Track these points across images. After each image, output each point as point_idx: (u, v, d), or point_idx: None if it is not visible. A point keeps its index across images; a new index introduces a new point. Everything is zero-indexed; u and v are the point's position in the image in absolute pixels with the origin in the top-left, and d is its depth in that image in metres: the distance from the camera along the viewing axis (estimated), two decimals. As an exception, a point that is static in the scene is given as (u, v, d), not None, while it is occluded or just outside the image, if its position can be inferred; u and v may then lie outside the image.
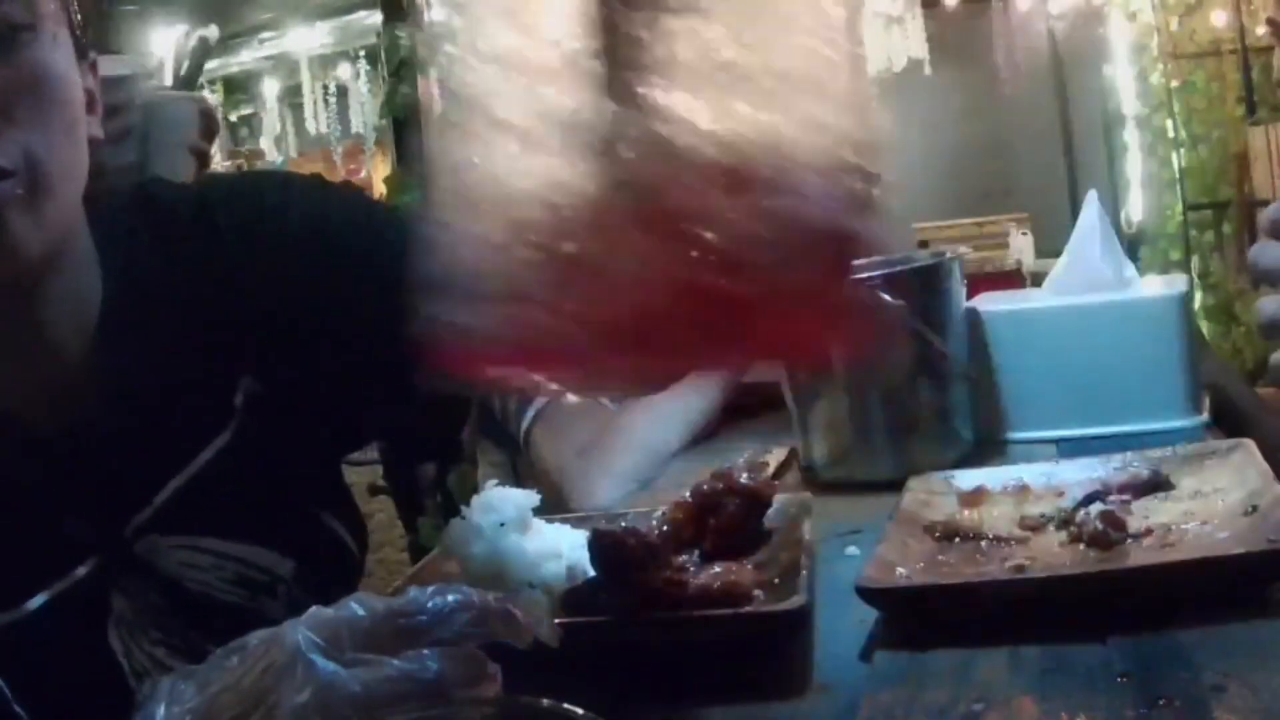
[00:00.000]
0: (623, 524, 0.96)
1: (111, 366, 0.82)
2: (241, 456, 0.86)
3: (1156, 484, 0.94)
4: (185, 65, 1.38)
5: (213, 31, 1.39)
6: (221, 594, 0.86)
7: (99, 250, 0.83)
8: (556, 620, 0.83)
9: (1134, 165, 6.56)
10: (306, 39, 8.12)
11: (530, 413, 1.43)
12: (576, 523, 1.00)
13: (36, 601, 0.78)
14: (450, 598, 0.60)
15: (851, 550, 0.98)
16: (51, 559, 0.80)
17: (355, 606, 0.59)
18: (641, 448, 1.31)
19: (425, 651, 0.57)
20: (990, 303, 1.33)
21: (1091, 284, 1.31)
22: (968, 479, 1.03)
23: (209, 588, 0.85)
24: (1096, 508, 0.88)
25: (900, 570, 0.84)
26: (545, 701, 0.55)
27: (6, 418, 0.80)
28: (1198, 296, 5.65)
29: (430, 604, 0.59)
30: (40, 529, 0.80)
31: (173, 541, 0.84)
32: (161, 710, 0.56)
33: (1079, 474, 1.00)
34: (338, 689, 0.54)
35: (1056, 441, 1.26)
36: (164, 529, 0.84)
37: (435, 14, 0.58)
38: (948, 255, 1.27)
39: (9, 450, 0.80)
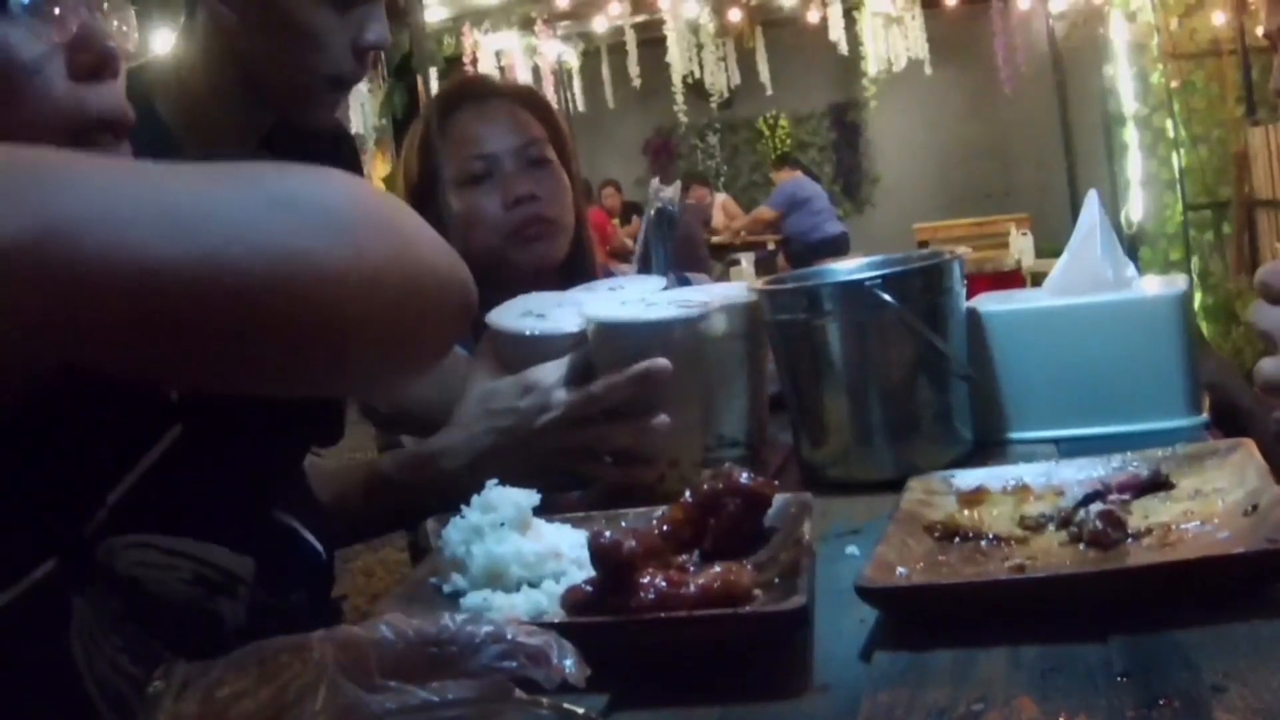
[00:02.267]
0: (623, 524, 0.96)
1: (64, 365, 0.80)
2: (186, 457, 0.85)
3: (1156, 484, 0.94)
4: None
5: None
6: (180, 594, 0.84)
7: None
8: (557, 620, 0.83)
9: (1134, 165, 6.56)
10: (306, 39, 8.11)
11: None
12: (576, 523, 1.00)
13: None
14: (483, 629, 0.60)
15: (851, 550, 0.98)
16: (9, 561, 0.78)
17: (385, 630, 0.59)
18: None
19: (451, 683, 0.57)
20: (990, 303, 1.33)
21: (1091, 284, 1.31)
22: (968, 479, 1.03)
23: (165, 587, 0.84)
24: (1096, 508, 0.88)
25: (900, 570, 0.84)
26: (545, 701, 0.55)
27: None
28: (1198, 296, 5.65)
29: (462, 634, 0.59)
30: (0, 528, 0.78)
31: (129, 540, 0.83)
32: (172, 700, 0.56)
33: (1079, 474, 1.00)
34: (361, 715, 0.54)
35: (1056, 441, 1.26)
36: (120, 528, 0.83)
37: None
38: (948, 255, 1.27)
39: None
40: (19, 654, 0.77)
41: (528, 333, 1.27)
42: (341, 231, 0.72)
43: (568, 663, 0.60)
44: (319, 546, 0.96)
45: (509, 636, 0.59)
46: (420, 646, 0.58)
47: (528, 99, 1.80)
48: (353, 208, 0.75)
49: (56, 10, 0.73)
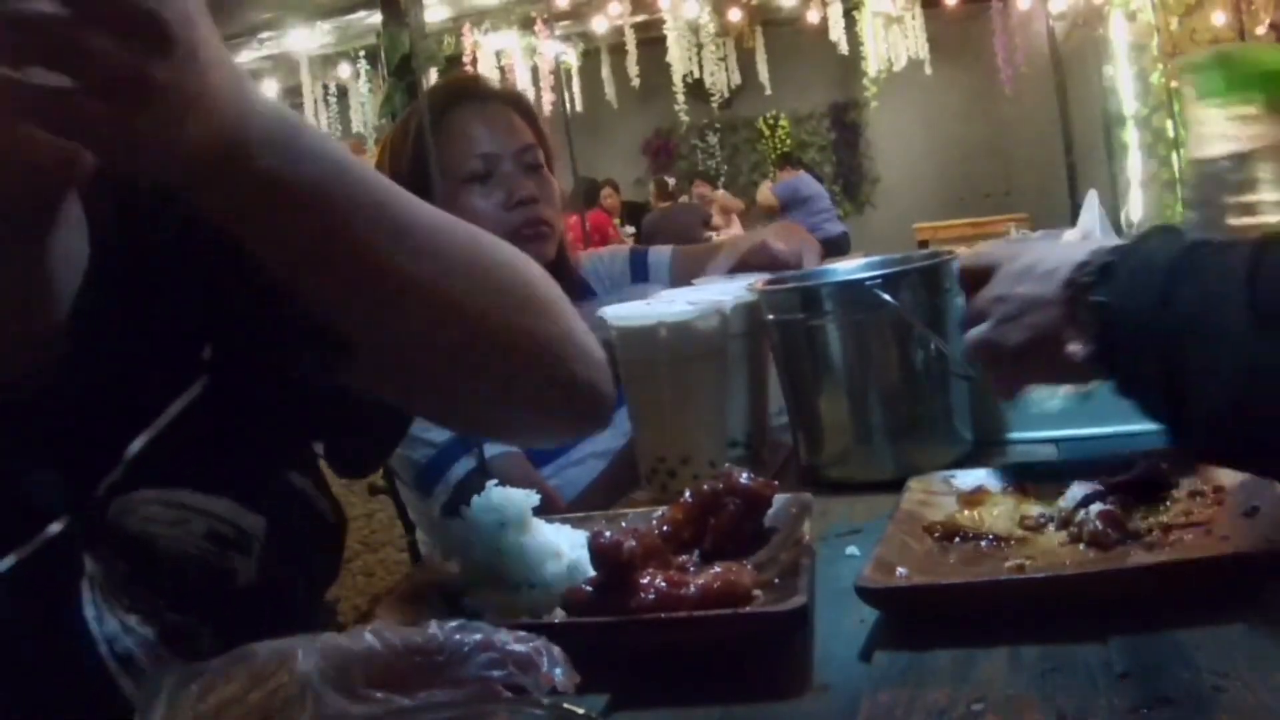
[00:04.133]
0: (623, 524, 0.96)
1: (88, 328, 0.82)
2: (210, 411, 0.87)
3: (1156, 484, 0.94)
4: None
5: None
6: (193, 549, 0.85)
7: (87, 218, 0.84)
8: (556, 620, 0.83)
9: (1134, 165, 6.56)
10: (306, 39, 8.12)
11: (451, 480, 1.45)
12: (576, 523, 1.00)
13: (6, 563, 0.77)
14: (470, 637, 0.60)
15: (851, 550, 0.98)
16: (21, 518, 0.79)
17: (371, 639, 0.59)
18: None
19: (439, 692, 0.57)
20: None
21: (1091, 284, 1.31)
22: (968, 479, 1.03)
23: (178, 543, 0.84)
24: (1096, 508, 0.88)
25: (900, 570, 0.84)
26: (545, 701, 0.55)
27: None
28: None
29: (449, 642, 0.59)
30: (10, 487, 0.79)
31: (141, 496, 0.83)
32: (162, 711, 0.56)
33: (1079, 474, 1.00)
34: None
35: (1056, 441, 1.26)
36: (135, 484, 0.83)
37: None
38: (947, 255, 1.27)
39: None
40: (32, 612, 0.78)
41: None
42: (538, 300, 0.88)
43: (557, 670, 0.60)
44: (327, 510, 0.96)
45: (498, 644, 0.59)
46: (407, 655, 0.58)
47: (519, 104, 1.81)
48: (550, 287, 0.91)
49: None
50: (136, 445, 0.83)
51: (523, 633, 0.62)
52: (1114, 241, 0.89)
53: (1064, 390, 1.12)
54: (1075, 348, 0.85)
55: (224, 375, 0.88)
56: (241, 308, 0.86)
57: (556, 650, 0.62)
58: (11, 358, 0.81)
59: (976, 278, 0.98)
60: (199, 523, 0.85)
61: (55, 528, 0.80)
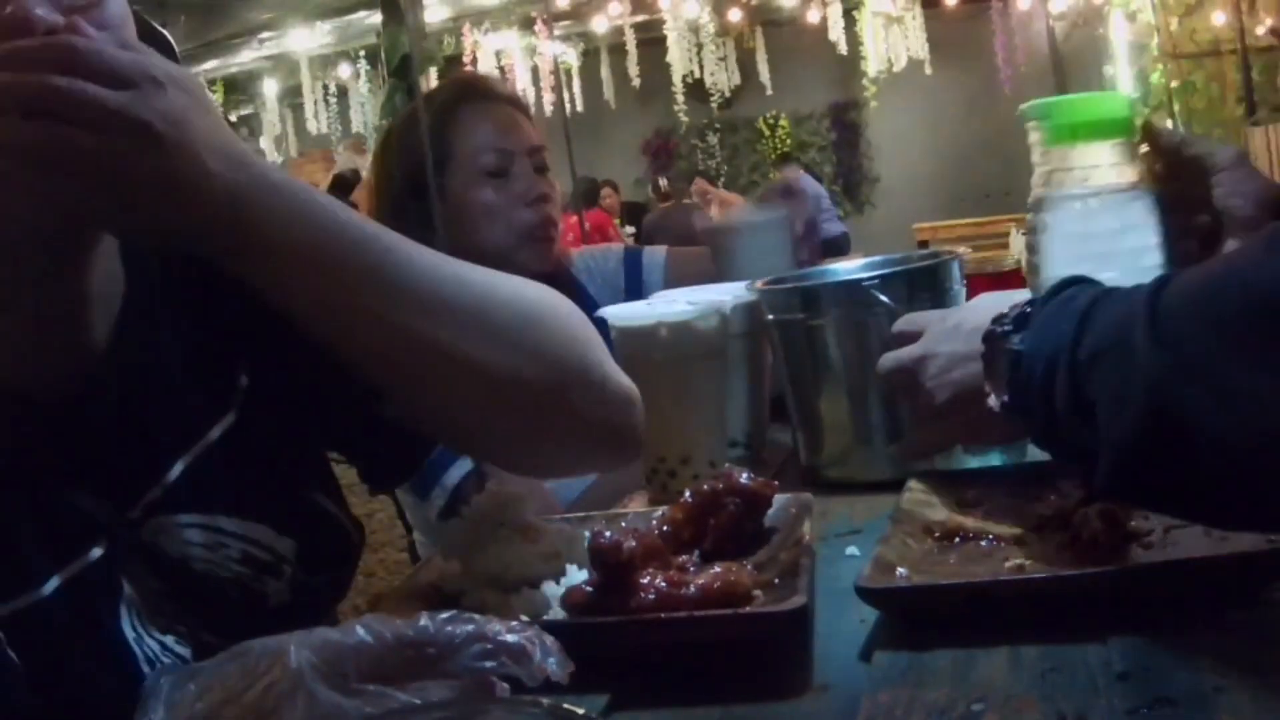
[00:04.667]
0: (623, 524, 0.96)
1: (129, 353, 0.84)
2: (244, 437, 0.89)
3: (1156, 484, 0.94)
4: None
5: None
6: (227, 573, 0.86)
7: (120, 244, 0.86)
8: (557, 620, 0.83)
9: (1134, 165, 6.55)
10: (306, 39, 8.12)
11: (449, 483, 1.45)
12: (576, 523, 1.00)
13: (51, 585, 0.78)
14: (462, 628, 0.59)
15: (851, 550, 0.98)
16: (65, 540, 0.80)
17: (363, 633, 0.58)
18: None
19: (431, 684, 0.57)
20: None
21: (1091, 284, 1.31)
22: (968, 479, 1.03)
23: (214, 567, 0.86)
24: (1096, 508, 0.88)
25: (900, 570, 0.84)
26: (545, 701, 0.55)
27: (25, 398, 0.81)
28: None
29: (441, 634, 0.59)
30: (54, 509, 0.80)
31: (181, 520, 0.85)
32: (161, 713, 0.56)
33: (1079, 473, 1.00)
34: None
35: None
36: (172, 508, 0.85)
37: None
38: (947, 255, 1.27)
39: (26, 429, 0.80)
40: (76, 631, 0.79)
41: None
42: (564, 342, 0.89)
43: (551, 660, 0.60)
44: (349, 528, 0.97)
45: (490, 634, 0.59)
46: (399, 648, 0.58)
47: (523, 106, 1.83)
48: (580, 327, 0.92)
49: None
50: (176, 469, 0.85)
51: (515, 623, 0.62)
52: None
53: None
54: (993, 400, 0.85)
55: (259, 401, 0.90)
56: (277, 339, 0.87)
57: (550, 640, 0.61)
58: (54, 380, 0.82)
59: (908, 341, 1.02)
60: (235, 547, 0.87)
61: (97, 550, 0.81)
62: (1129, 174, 1.09)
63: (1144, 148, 1.14)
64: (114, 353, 0.84)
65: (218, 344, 0.90)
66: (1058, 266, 1.05)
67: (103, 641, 0.80)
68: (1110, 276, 0.85)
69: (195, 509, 0.86)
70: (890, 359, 1.03)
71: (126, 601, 0.82)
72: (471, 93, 1.78)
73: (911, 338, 1.02)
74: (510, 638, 0.60)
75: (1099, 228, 1.07)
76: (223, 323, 0.90)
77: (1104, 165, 1.08)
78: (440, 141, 1.72)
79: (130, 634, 0.81)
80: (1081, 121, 1.09)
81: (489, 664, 0.58)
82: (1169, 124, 6.20)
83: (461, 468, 1.45)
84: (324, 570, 0.93)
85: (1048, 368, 0.77)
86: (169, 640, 0.83)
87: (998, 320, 0.86)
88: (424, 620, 0.60)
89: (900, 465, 1.09)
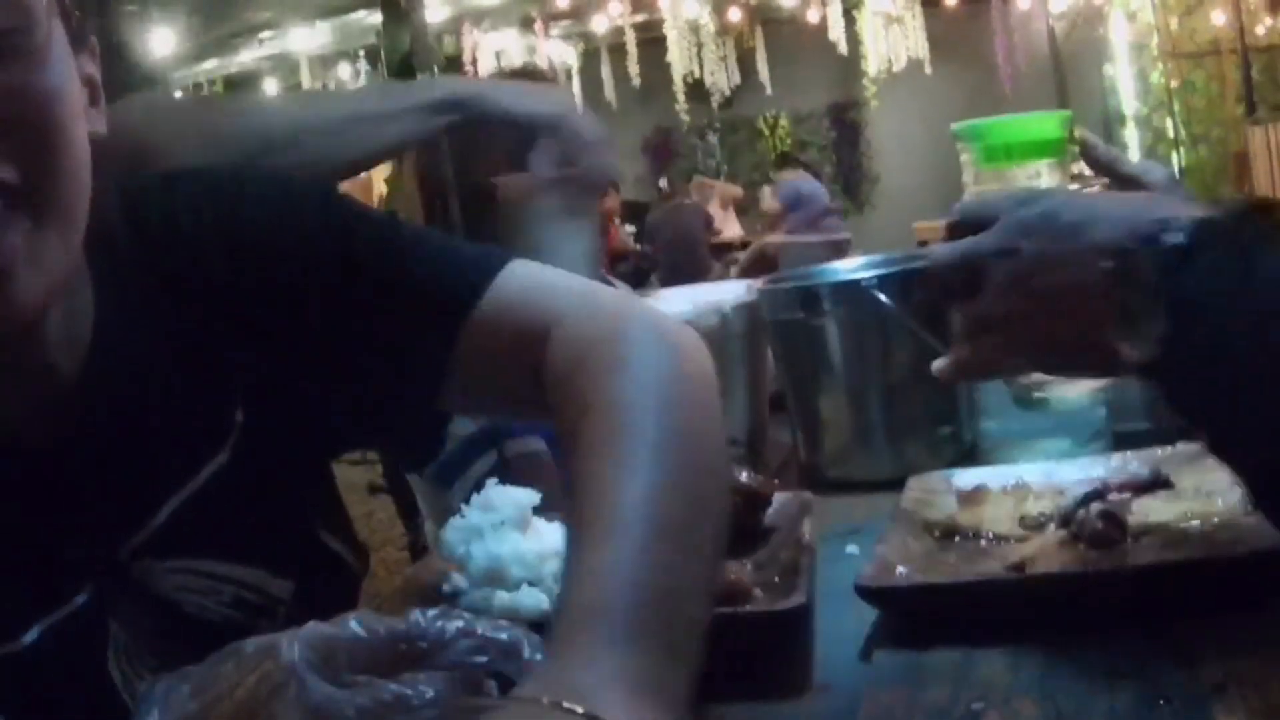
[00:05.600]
0: (623, 524, 0.96)
1: (105, 385, 0.78)
2: (239, 476, 0.84)
3: (1156, 484, 0.94)
4: None
5: None
6: (218, 617, 0.83)
7: (89, 262, 0.78)
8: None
9: (1134, 165, 6.55)
10: (306, 39, 8.11)
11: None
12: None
13: (33, 634, 0.76)
14: (452, 624, 0.60)
15: (851, 550, 0.98)
16: (47, 588, 0.77)
17: (355, 626, 0.59)
18: None
19: (422, 675, 0.57)
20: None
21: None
22: (968, 479, 1.03)
23: (205, 611, 0.83)
24: (1096, 507, 0.88)
25: (900, 570, 0.84)
26: (545, 700, 0.55)
27: (2, 444, 0.76)
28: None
29: (432, 629, 0.59)
30: (36, 555, 0.77)
31: (169, 565, 0.81)
32: (156, 715, 0.56)
33: (1079, 473, 1.00)
34: (332, 712, 0.54)
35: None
36: (160, 552, 0.81)
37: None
38: (948, 255, 1.27)
39: (6, 475, 0.76)
40: (60, 676, 0.77)
41: None
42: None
43: (538, 657, 0.61)
44: (353, 562, 0.94)
45: (480, 631, 0.60)
46: (391, 643, 0.58)
47: None
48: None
49: None
50: (165, 511, 0.81)
51: (502, 621, 0.63)
52: (1174, 209, 0.68)
53: (1061, 386, 1.09)
54: (1127, 347, 0.66)
55: (258, 437, 0.84)
56: (278, 362, 0.83)
57: (536, 638, 0.62)
58: (23, 417, 0.77)
59: (968, 231, 0.80)
60: (227, 591, 0.84)
61: (81, 597, 0.78)
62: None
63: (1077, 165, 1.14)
64: (86, 385, 0.78)
65: (210, 379, 0.83)
66: None
67: (89, 686, 0.78)
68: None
69: (184, 553, 0.81)
70: (946, 251, 0.80)
71: (114, 643, 0.79)
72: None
73: (975, 227, 0.79)
74: (499, 635, 0.60)
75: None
76: (216, 357, 0.83)
77: (1036, 185, 1.09)
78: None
79: (118, 677, 0.79)
80: (1014, 142, 1.09)
81: (479, 659, 0.59)
82: (1169, 123, 6.21)
83: (488, 460, 1.45)
84: (322, 609, 0.90)
85: (1215, 321, 0.61)
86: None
87: (1152, 232, 0.65)
88: (415, 615, 0.60)
89: (947, 379, 0.87)
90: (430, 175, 1.73)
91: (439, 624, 0.60)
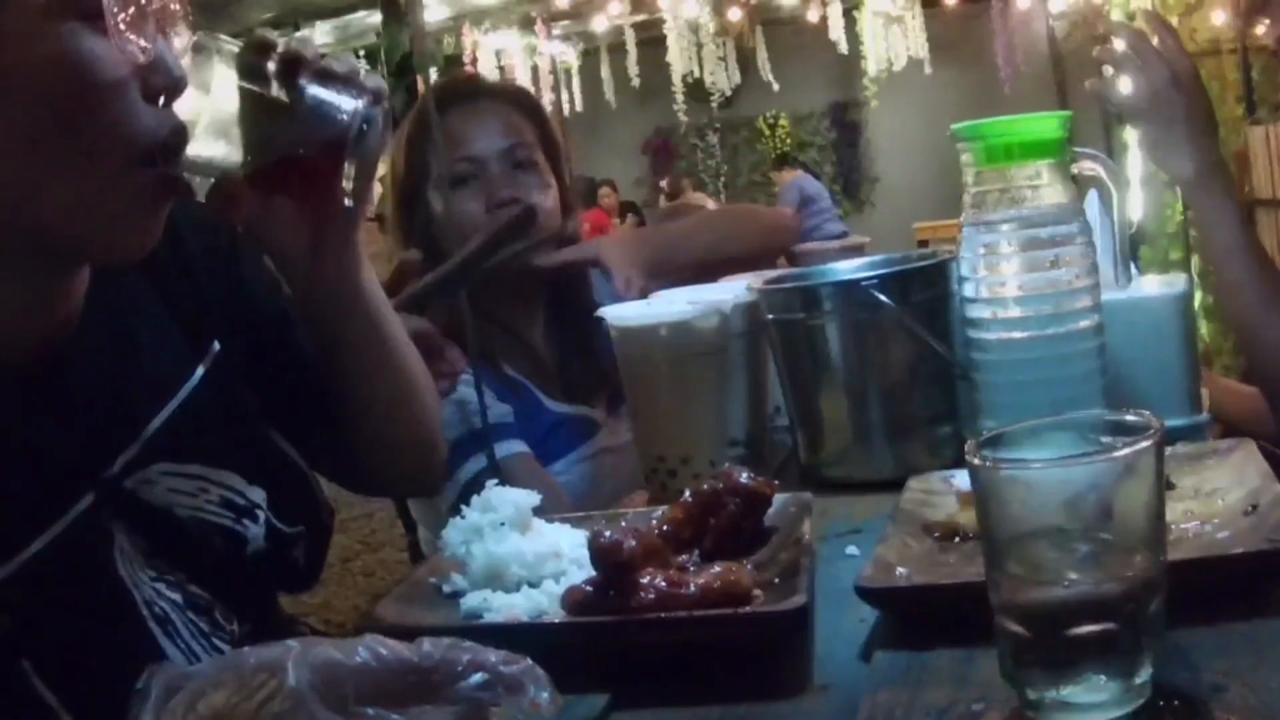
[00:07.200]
0: (623, 524, 0.96)
1: (98, 327, 0.89)
2: (212, 392, 0.95)
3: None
4: None
5: None
6: (210, 516, 0.91)
7: None
8: (557, 620, 0.83)
9: (1134, 164, 6.55)
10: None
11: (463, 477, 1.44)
12: (576, 523, 1.00)
13: (37, 545, 0.80)
14: (464, 656, 0.61)
15: (851, 550, 0.98)
16: (46, 501, 0.82)
17: (364, 654, 0.59)
18: None
19: (430, 709, 0.57)
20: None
21: (1091, 284, 1.30)
22: (967, 479, 1.03)
23: (198, 511, 0.90)
24: (1096, 507, 0.88)
25: (900, 570, 0.84)
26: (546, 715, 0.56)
27: (2, 363, 0.83)
28: (1198, 296, 5.63)
29: (443, 661, 0.60)
30: (34, 471, 0.82)
31: (160, 469, 0.89)
32: (150, 718, 0.56)
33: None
34: None
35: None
36: (148, 461, 0.89)
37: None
38: (947, 255, 1.27)
39: (4, 394, 0.83)
40: (75, 581, 0.82)
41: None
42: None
43: (544, 695, 0.62)
44: (307, 472, 1.03)
45: (488, 665, 0.61)
46: (401, 673, 0.59)
47: (518, 100, 1.75)
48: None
49: (141, 34, 0.77)
50: (153, 426, 0.90)
51: (510, 653, 0.64)
52: None
53: None
54: None
55: (227, 366, 0.98)
56: (247, 326, 1.01)
57: (541, 673, 0.63)
58: (30, 345, 0.85)
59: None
60: (213, 492, 0.92)
61: (81, 505, 0.83)
62: (1060, 194, 1.10)
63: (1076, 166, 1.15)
64: (87, 317, 0.88)
65: (190, 312, 0.97)
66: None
67: (101, 587, 0.83)
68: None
69: (170, 458, 0.90)
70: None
71: (118, 549, 0.85)
72: (447, 102, 1.69)
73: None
74: (507, 669, 0.61)
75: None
76: (196, 296, 0.98)
77: (1036, 185, 1.09)
78: (420, 151, 1.68)
79: (126, 577, 0.84)
80: (1014, 142, 1.09)
81: (486, 694, 0.59)
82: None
83: (475, 464, 1.45)
84: (294, 520, 0.98)
85: None
86: (161, 587, 0.86)
87: None
88: (426, 645, 0.61)
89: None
90: (407, 168, 1.71)
91: (450, 654, 0.60)
